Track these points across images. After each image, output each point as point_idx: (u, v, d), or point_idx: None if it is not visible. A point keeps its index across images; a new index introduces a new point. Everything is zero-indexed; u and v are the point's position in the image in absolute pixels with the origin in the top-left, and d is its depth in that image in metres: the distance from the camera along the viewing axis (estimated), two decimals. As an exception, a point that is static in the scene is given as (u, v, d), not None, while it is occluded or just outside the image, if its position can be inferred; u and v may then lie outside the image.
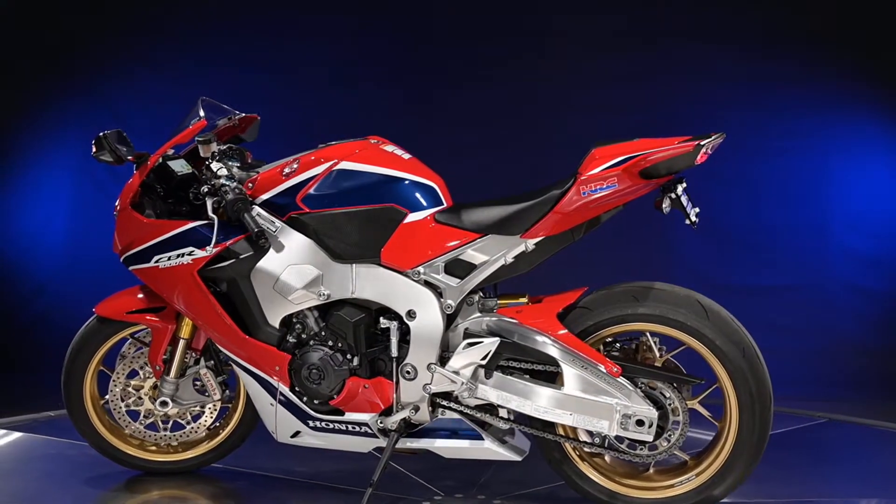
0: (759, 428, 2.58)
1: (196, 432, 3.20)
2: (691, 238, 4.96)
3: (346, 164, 2.74)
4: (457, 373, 2.68)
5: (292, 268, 2.75)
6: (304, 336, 2.82)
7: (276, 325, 2.82)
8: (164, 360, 3.05)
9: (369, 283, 2.74)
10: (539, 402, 2.64)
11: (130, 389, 3.15)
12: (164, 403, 3.08)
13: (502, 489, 3.04)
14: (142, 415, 3.16)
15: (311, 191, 2.74)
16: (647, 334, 2.67)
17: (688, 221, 2.55)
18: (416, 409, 2.75)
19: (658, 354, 2.67)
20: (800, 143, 5.15)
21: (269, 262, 2.77)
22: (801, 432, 3.94)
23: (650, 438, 2.58)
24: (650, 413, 2.56)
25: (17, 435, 3.80)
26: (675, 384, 2.61)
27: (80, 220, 5.53)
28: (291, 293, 2.76)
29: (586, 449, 2.74)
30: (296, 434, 2.92)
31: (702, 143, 2.47)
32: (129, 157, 2.87)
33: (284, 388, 2.84)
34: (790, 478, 3.21)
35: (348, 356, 2.77)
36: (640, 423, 2.57)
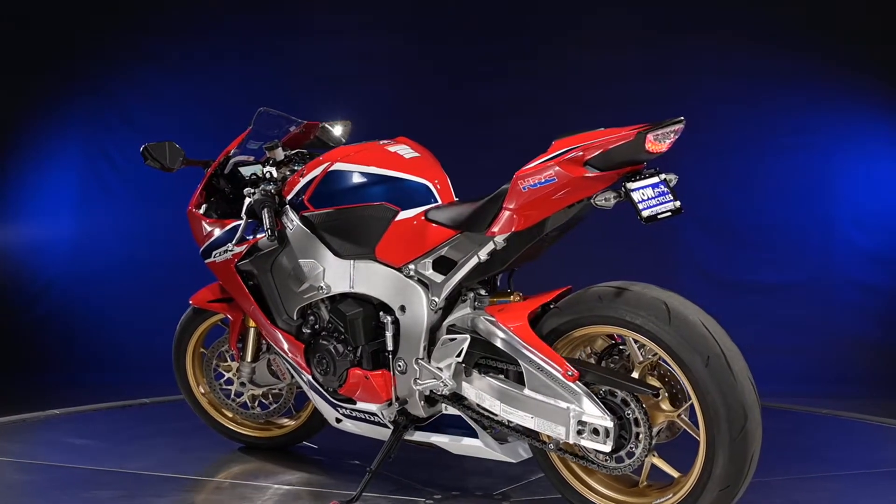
0: (730, 447, 2.28)
1: (279, 412, 3.51)
2: (697, 235, 5.16)
3: (339, 166, 2.89)
4: (440, 369, 2.70)
5: (301, 263, 2.96)
6: (317, 327, 3.00)
7: (294, 315, 3.03)
8: (239, 345, 3.41)
9: (366, 278, 2.86)
10: (506, 402, 2.58)
11: (221, 370, 3.55)
12: (242, 384, 3.44)
13: (522, 491, 2.99)
14: (233, 393, 3.55)
15: (314, 191, 2.92)
16: (630, 339, 2.49)
17: (639, 217, 2.34)
18: (408, 402, 2.81)
19: (639, 359, 2.48)
20: (804, 141, 5.19)
21: (285, 257, 3.00)
22: (803, 428, 3.99)
23: (607, 449, 2.41)
24: (604, 422, 2.40)
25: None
26: (633, 392, 2.41)
27: (85, 221, 5.70)
28: (300, 287, 2.96)
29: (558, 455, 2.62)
30: (339, 420, 3.11)
31: (645, 130, 2.28)
32: (174, 166, 3.23)
33: (307, 376, 3.05)
34: (791, 474, 3.21)
35: (349, 348, 2.91)
36: (596, 431, 2.41)
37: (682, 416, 2.45)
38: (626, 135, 2.30)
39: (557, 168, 2.37)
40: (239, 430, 3.61)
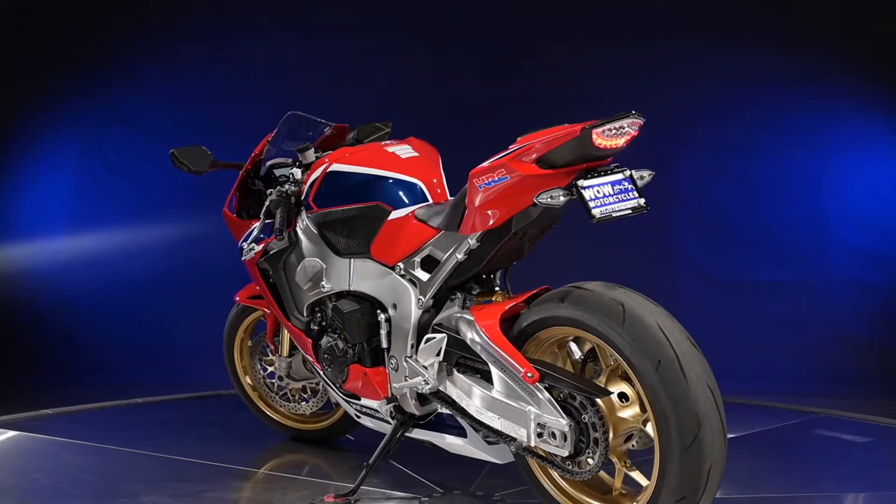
0: (681, 458, 2.17)
1: (317, 406, 3.62)
2: (694, 234, 5.20)
3: (336, 167, 2.96)
4: (424, 367, 2.72)
5: (306, 261, 3.05)
6: (323, 324, 3.08)
7: (304, 312, 3.13)
8: (276, 340, 3.55)
9: (362, 276, 2.92)
10: (478, 402, 2.56)
11: (264, 363, 3.70)
12: (280, 378, 3.58)
13: (524, 496, 2.95)
14: (276, 385, 3.69)
15: (316, 191, 3.01)
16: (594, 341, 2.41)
17: (589, 216, 2.26)
18: (401, 399, 2.84)
19: (608, 362, 2.40)
20: (800, 140, 5.23)
21: (293, 255, 3.11)
22: (800, 427, 3.99)
23: (565, 453, 2.35)
24: (559, 425, 2.34)
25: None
26: (586, 396, 2.33)
27: (80, 220, 5.70)
28: (306, 284, 3.05)
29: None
30: (358, 416, 3.18)
31: (591, 126, 2.21)
32: (203, 170, 3.37)
33: (319, 371, 3.14)
34: (789, 472, 3.22)
35: (349, 345, 2.96)
36: (553, 434, 2.36)
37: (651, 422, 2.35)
38: (572, 131, 2.24)
39: (508, 166, 2.34)
40: (284, 422, 3.75)
